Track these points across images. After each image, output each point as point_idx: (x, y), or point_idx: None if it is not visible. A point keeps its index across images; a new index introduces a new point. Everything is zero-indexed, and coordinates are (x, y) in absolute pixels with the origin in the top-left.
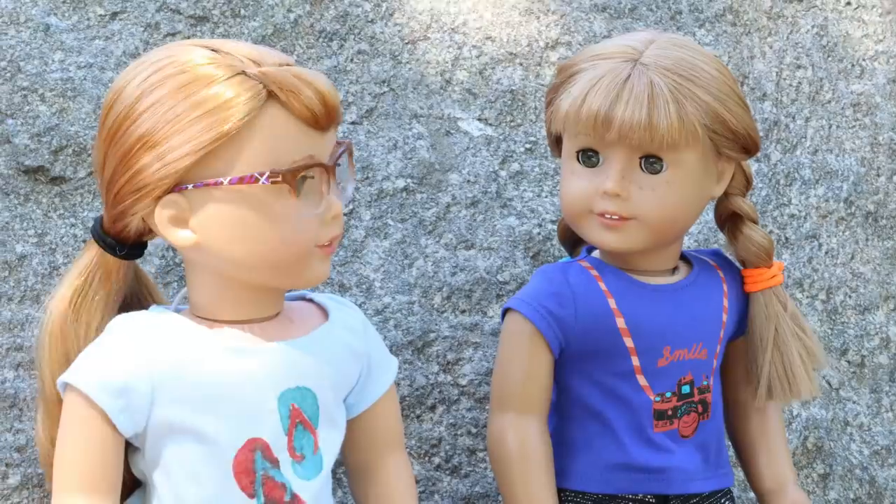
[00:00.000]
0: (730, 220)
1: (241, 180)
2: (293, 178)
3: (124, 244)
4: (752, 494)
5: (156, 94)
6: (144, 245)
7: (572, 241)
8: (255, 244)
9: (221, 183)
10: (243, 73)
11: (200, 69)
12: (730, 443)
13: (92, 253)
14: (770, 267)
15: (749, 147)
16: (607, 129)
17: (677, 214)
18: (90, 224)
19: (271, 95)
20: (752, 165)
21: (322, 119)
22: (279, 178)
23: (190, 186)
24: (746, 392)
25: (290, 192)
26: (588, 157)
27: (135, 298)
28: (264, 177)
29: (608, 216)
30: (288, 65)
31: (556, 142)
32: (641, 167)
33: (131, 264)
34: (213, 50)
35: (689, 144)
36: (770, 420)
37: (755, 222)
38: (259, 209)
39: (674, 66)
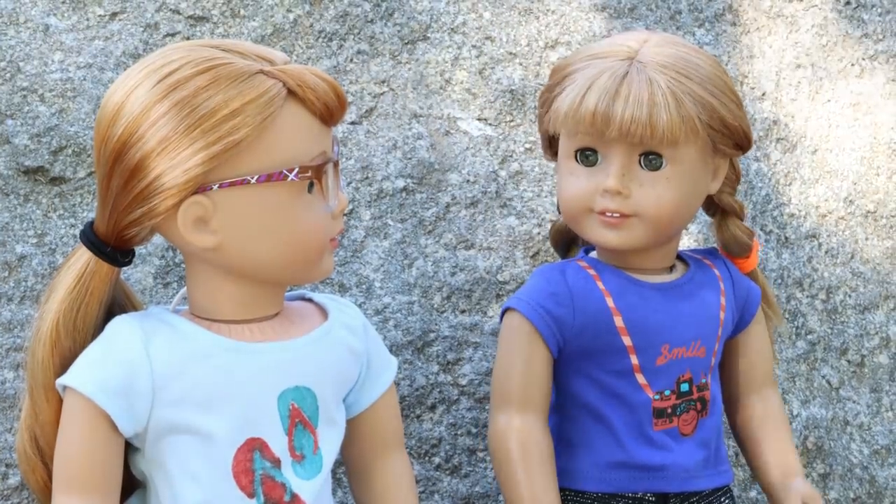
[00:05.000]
0: (717, 213)
1: (270, 177)
2: (320, 172)
3: (126, 252)
4: (752, 494)
5: (176, 95)
6: (134, 251)
7: (565, 246)
8: (279, 241)
9: (248, 181)
10: (261, 71)
11: (220, 69)
12: (733, 442)
13: (85, 258)
14: (748, 258)
15: (742, 143)
16: (607, 127)
17: (677, 210)
18: None
19: (290, 93)
20: (752, 165)
21: (336, 114)
22: (308, 174)
23: (215, 187)
24: (748, 386)
25: (306, 189)
26: (586, 156)
27: (116, 303)
28: (293, 173)
29: (609, 214)
30: (286, 62)
31: (550, 143)
32: (641, 164)
33: (118, 269)
34: (223, 50)
35: (689, 140)
36: (773, 412)
37: (741, 219)
38: (282, 206)
39: (670, 63)
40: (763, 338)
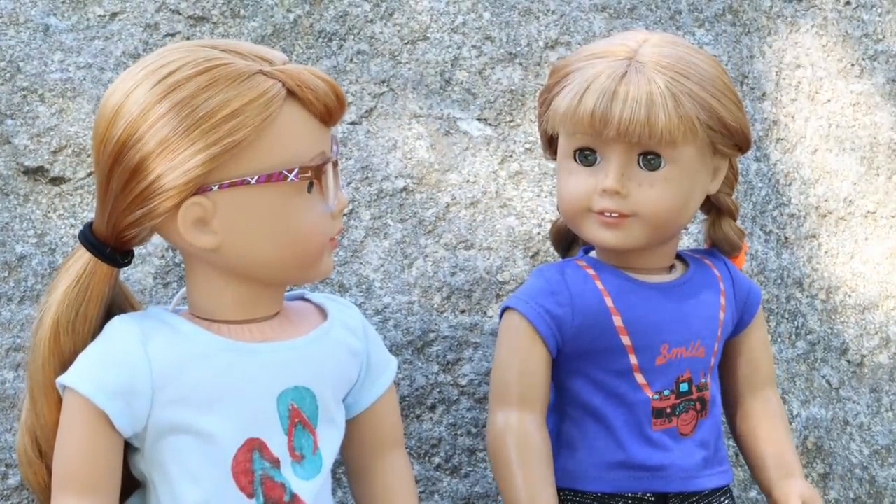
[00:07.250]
0: (712, 212)
1: (269, 178)
2: (319, 172)
3: (125, 253)
4: (752, 494)
5: (175, 96)
6: (133, 251)
7: (566, 245)
8: (278, 242)
9: (248, 182)
10: (260, 72)
11: (219, 70)
12: (732, 443)
13: (84, 259)
14: (736, 258)
15: (742, 144)
16: (605, 127)
17: (676, 210)
18: None
19: (289, 93)
20: (752, 165)
21: (335, 114)
22: (308, 174)
23: (215, 188)
24: (747, 386)
25: (305, 189)
26: (585, 156)
27: (115, 304)
28: (293, 173)
29: (608, 214)
30: (285, 62)
31: (549, 142)
32: (639, 164)
33: (118, 270)
34: (221, 50)
35: (688, 140)
36: (773, 412)
37: (734, 219)
38: (282, 207)
39: (670, 63)
40: (763, 338)
